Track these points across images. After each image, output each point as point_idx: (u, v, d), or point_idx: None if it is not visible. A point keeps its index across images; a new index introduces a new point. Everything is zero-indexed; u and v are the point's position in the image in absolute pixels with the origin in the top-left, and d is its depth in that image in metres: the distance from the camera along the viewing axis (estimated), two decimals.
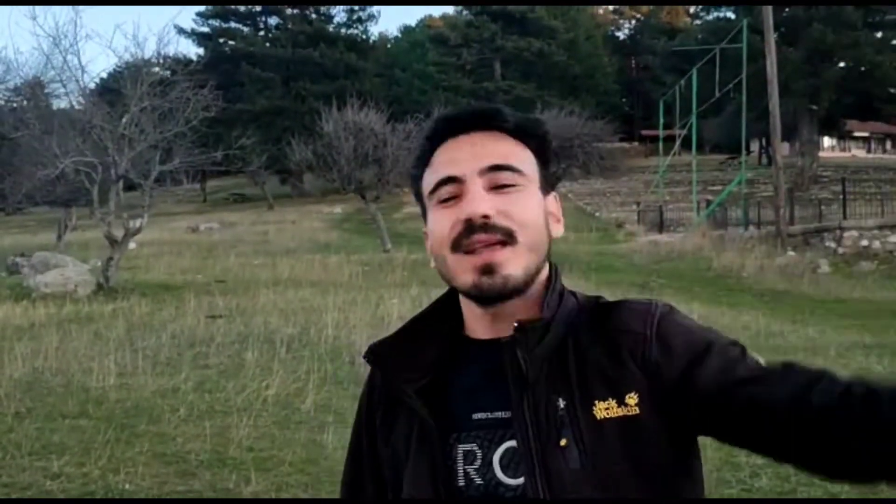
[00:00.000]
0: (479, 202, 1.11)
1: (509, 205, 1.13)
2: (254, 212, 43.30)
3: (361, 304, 11.52)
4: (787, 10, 40.45)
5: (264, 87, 54.34)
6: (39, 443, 5.39)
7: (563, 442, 1.07)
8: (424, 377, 1.18)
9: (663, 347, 1.09)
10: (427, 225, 1.23)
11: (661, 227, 30.58)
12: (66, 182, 18.84)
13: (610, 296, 1.27)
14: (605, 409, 1.08)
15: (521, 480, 1.09)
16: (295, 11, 58.91)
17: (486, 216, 1.10)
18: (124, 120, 15.66)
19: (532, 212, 1.15)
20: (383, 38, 75.57)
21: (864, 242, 19.81)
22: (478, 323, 1.20)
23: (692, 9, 61.10)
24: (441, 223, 1.16)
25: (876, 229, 20.17)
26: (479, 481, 1.12)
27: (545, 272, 1.19)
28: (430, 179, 1.19)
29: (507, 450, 1.11)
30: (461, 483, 1.12)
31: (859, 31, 41.12)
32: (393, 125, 26.30)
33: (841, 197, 24.57)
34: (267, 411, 6.12)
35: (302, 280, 15.72)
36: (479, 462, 1.12)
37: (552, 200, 1.22)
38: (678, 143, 37.17)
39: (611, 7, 79.42)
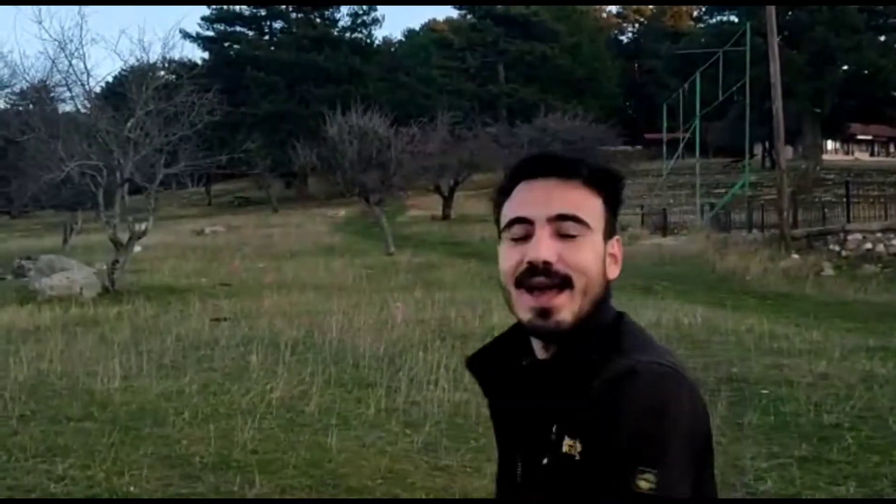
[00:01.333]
0: (543, 248, 1.24)
1: (570, 252, 1.25)
2: (258, 215, 43.36)
3: (365, 307, 11.53)
4: (790, 13, 40.47)
5: (269, 90, 54.45)
6: (44, 445, 5.40)
7: (544, 461, 1.24)
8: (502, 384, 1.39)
9: (603, 417, 1.16)
10: (500, 250, 1.34)
11: (664, 230, 30.57)
12: (71, 185, 18.89)
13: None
14: (569, 446, 1.21)
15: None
16: (299, 15, 59.03)
17: (547, 262, 1.23)
18: (129, 123, 15.71)
19: (590, 259, 1.26)
20: (387, 42, 75.70)
21: (868, 245, 19.78)
22: (535, 345, 1.34)
23: (695, 12, 61.15)
24: (509, 259, 1.29)
25: (880, 232, 20.12)
26: (519, 480, 1.33)
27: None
28: (506, 213, 1.32)
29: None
30: (517, 480, 1.34)
31: (862, 35, 41.17)
32: (397, 129, 26.35)
33: (844, 200, 24.53)
34: (271, 414, 6.13)
35: (306, 283, 15.73)
36: (520, 468, 1.33)
37: (615, 244, 1.34)
38: (681, 146, 37.19)
39: (614, 10, 79.50)
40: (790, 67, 35.43)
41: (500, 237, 1.35)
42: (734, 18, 46.21)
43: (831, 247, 20.38)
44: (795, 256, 19.79)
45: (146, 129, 15.81)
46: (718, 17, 50.26)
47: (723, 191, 36.39)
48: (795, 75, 37.90)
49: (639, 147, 62.16)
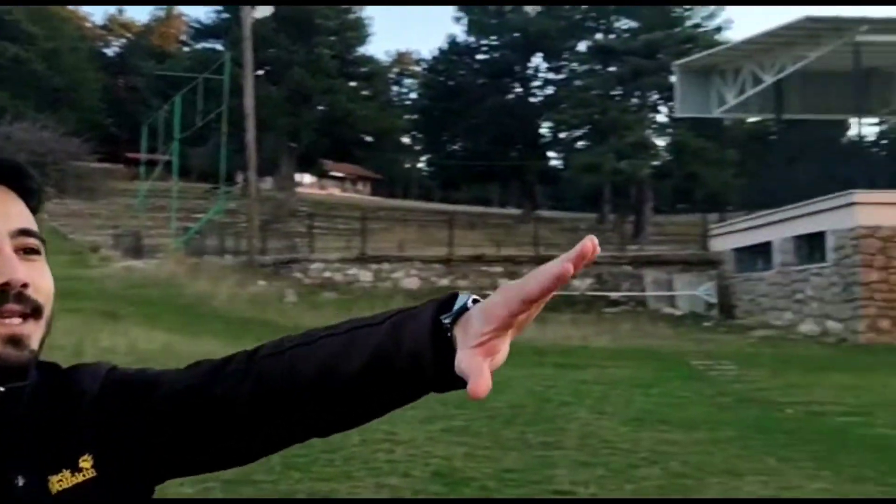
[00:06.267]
0: (18, 268, 1.02)
1: (37, 276, 1.05)
2: None
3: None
4: (271, 50, 42.44)
5: None
6: None
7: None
8: None
9: (117, 395, 1.09)
10: None
11: (138, 252, 29.76)
12: None
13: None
14: (58, 481, 1.03)
15: None
16: None
17: (25, 284, 1.02)
18: None
19: (51, 284, 1.08)
20: None
21: (328, 274, 21.33)
22: None
23: (184, 36, 61.26)
24: None
25: (338, 262, 21.85)
26: None
27: None
28: None
29: None
30: None
31: (335, 79, 44.74)
32: None
33: (312, 231, 26.23)
34: None
35: None
36: None
37: None
38: (160, 167, 36.78)
39: (99, 21, 76.28)
40: (270, 102, 37.05)
41: None
42: (219, 47, 47.17)
43: (296, 274, 21.59)
44: (263, 283, 20.57)
45: None
46: (203, 45, 50.91)
47: (202, 215, 36.67)
48: (274, 110, 39.74)
49: (120, 166, 59.99)
